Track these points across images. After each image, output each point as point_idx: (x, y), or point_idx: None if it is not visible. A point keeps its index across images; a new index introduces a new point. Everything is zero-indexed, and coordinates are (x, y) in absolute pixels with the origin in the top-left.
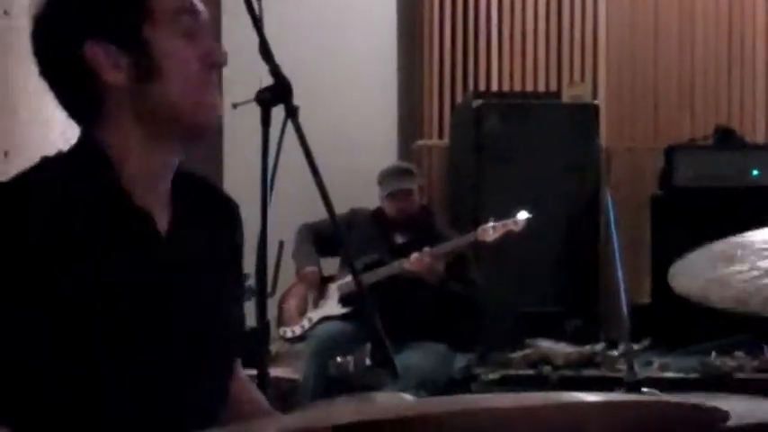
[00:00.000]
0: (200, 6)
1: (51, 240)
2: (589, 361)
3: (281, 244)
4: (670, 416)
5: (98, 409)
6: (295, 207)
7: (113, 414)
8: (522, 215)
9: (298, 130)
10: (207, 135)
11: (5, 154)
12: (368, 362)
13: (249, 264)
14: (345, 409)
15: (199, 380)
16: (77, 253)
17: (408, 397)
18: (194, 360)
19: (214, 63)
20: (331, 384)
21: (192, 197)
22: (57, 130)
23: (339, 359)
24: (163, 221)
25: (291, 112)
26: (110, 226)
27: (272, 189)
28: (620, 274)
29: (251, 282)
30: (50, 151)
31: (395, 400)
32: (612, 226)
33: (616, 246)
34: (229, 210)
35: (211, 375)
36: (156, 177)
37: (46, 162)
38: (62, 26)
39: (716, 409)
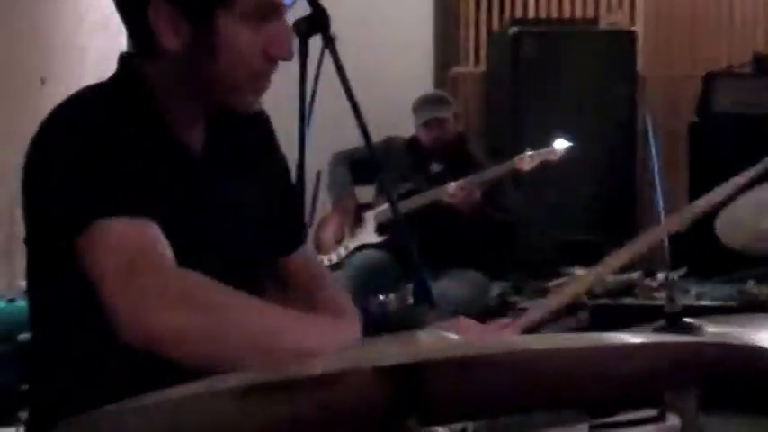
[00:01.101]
0: None
1: (130, 161)
2: (627, 289)
3: (319, 174)
4: (711, 356)
5: None
6: (331, 137)
7: None
8: (560, 144)
9: (335, 59)
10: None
11: (42, 81)
12: (410, 300)
13: None
14: (389, 349)
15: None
16: (140, 177)
17: (452, 335)
18: (227, 271)
19: (276, 58)
20: (371, 320)
21: (226, 120)
22: (92, 58)
23: (381, 297)
24: (197, 146)
25: (329, 42)
26: (153, 156)
27: (309, 119)
28: (660, 201)
29: None
30: (87, 79)
31: (439, 339)
32: (653, 153)
33: (656, 173)
34: (263, 127)
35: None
36: (197, 117)
37: (90, 92)
38: None
39: (757, 349)
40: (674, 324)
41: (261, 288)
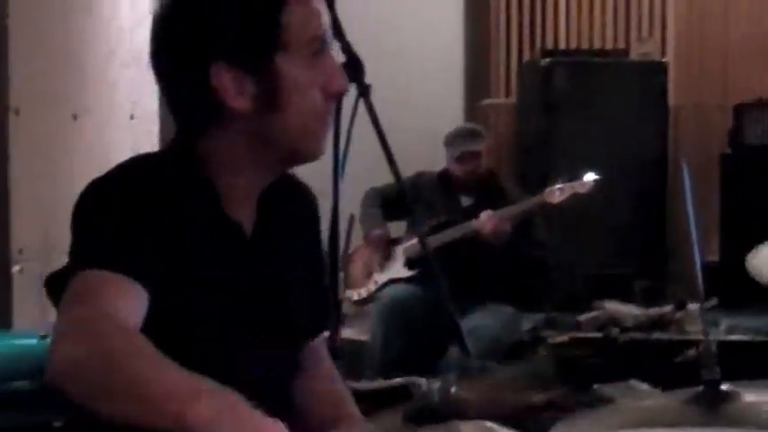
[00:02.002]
0: (326, 27)
1: (160, 219)
2: (657, 323)
3: (352, 218)
4: None
5: None
6: (365, 180)
7: None
8: (590, 176)
9: (370, 110)
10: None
11: (74, 117)
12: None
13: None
14: None
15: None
16: (173, 246)
17: (495, 427)
18: (270, 355)
19: (336, 93)
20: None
21: (274, 195)
22: (123, 93)
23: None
24: (248, 226)
25: (364, 92)
26: (202, 229)
27: (343, 171)
28: (694, 234)
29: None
30: (117, 113)
31: None
32: (686, 187)
33: (690, 206)
34: (309, 203)
35: (283, 367)
36: (251, 193)
37: (141, 158)
38: (191, 41)
39: None
40: (712, 391)
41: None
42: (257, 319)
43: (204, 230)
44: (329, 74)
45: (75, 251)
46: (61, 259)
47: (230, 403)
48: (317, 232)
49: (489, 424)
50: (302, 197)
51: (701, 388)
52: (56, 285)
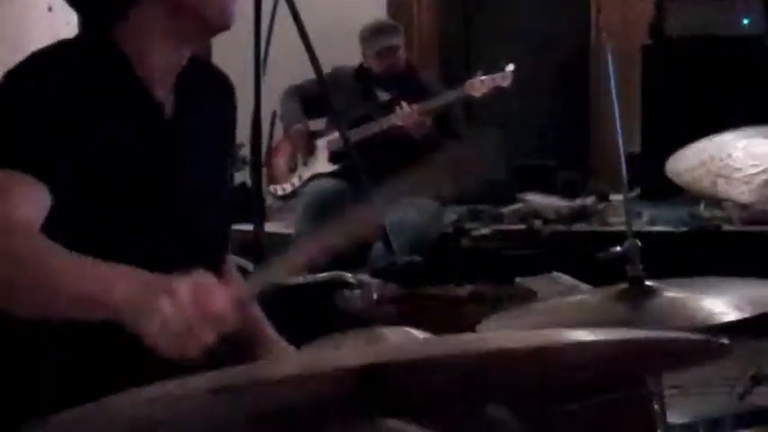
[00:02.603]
0: None
1: (72, 111)
2: (580, 214)
3: (274, 114)
4: (674, 349)
5: None
6: (286, 76)
7: None
8: (510, 68)
9: (292, 8)
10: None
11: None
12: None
13: (244, 134)
14: (351, 349)
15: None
16: (91, 127)
17: (416, 333)
18: (188, 239)
19: None
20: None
21: (193, 80)
22: None
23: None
24: (168, 107)
25: None
26: (122, 113)
27: (265, 68)
28: (618, 124)
29: (245, 151)
30: (35, 5)
31: (404, 338)
32: (611, 75)
33: (614, 95)
34: (227, 90)
35: (203, 257)
36: (168, 71)
37: (56, 46)
38: None
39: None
40: (636, 287)
41: (220, 258)
42: (175, 208)
43: (124, 113)
44: None
45: None
46: None
47: (149, 278)
48: (234, 120)
49: (410, 329)
50: (221, 84)
51: (625, 285)
52: None
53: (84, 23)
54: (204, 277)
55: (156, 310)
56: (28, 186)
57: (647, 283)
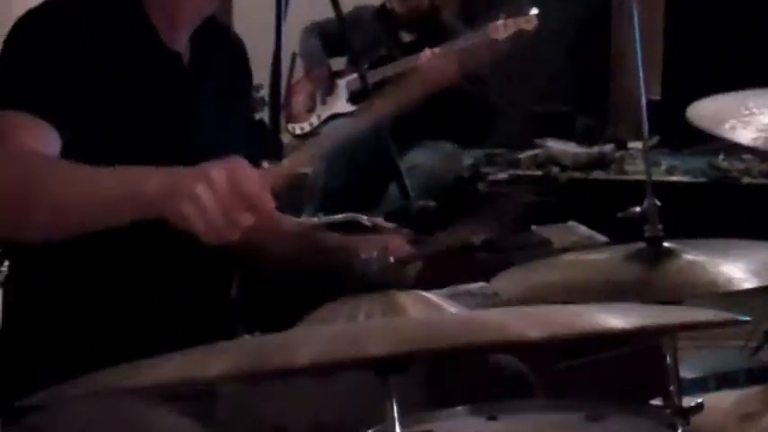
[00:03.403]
0: None
1: (83, 54)
2: (598, 162)
3: (294, 55)
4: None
5: None
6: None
7: None
8: (533, 11)
9: None
10: None
11: None
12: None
13: (264, 76)
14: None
15: None
16: (103, 71)
17: (430, 296)
18: None
19: None
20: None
21: (210, 38)
22: None
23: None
24: (186, 59)
25: None
26: (139, 62)
27: (287, 8)
28: (641, 71)
29: (264, 92)
30: None
31: (420, 308)
32: (635, 21)
33: (637, 42)
34: (238, 45)
35: None
36: (186, 27)
37: None
38: None
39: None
40: (654, 249)
41: None
42: (192, 155)
43: (141, 63)
44: None
45: None
46: None
47: (180, 169)
48: (249, 87)
49: (425, 293)
50: (232, 39)
51: (642, 244)
52: None
53: None
54: (237, 161)
55: (193, 196)
56: (38, 127)
57: (666, 244)
